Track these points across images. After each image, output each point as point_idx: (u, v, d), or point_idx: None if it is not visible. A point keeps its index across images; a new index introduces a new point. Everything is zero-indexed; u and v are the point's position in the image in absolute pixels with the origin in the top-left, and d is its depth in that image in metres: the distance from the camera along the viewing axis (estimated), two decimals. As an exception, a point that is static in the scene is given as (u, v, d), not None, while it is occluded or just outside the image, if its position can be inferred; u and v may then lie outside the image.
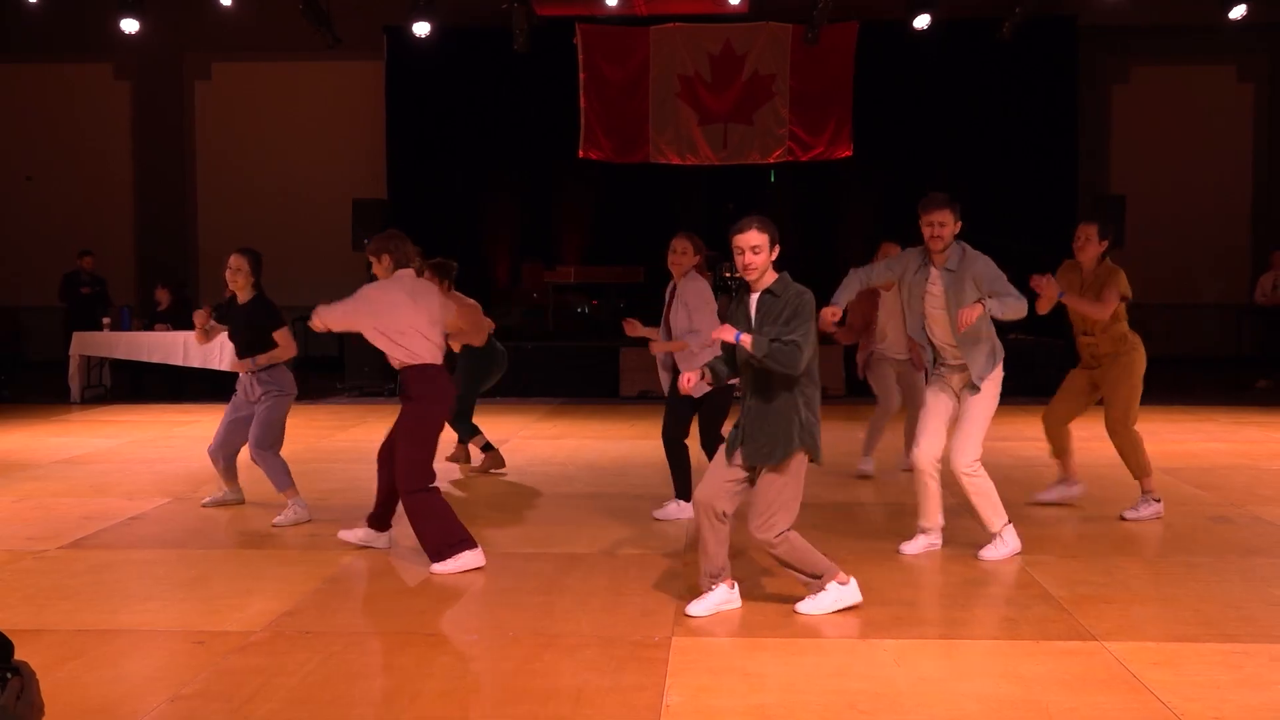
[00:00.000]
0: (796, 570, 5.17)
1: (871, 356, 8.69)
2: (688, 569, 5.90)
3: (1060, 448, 7.37)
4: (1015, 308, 5.88)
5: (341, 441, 10.54)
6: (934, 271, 6.05)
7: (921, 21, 14.89)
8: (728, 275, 15.07)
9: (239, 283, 7.23)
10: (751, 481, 5.15)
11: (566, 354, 14.77)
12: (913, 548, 6.27)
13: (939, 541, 6.30)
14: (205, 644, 4.81)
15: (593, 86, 16.15)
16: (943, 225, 5.97)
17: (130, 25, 14.90)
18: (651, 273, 16.04)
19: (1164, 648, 4.70)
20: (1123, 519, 7.00)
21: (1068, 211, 15.92)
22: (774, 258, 5.11)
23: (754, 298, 5.13)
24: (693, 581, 5.57)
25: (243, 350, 7.25)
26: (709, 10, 16.03)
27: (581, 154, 16.14)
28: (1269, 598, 5.42)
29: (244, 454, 7.34)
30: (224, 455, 7.38)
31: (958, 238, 6.04)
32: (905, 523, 7.06)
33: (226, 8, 15.20)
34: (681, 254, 7.03)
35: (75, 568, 6.08)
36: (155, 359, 13.71)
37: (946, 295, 5.97)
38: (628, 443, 10.38)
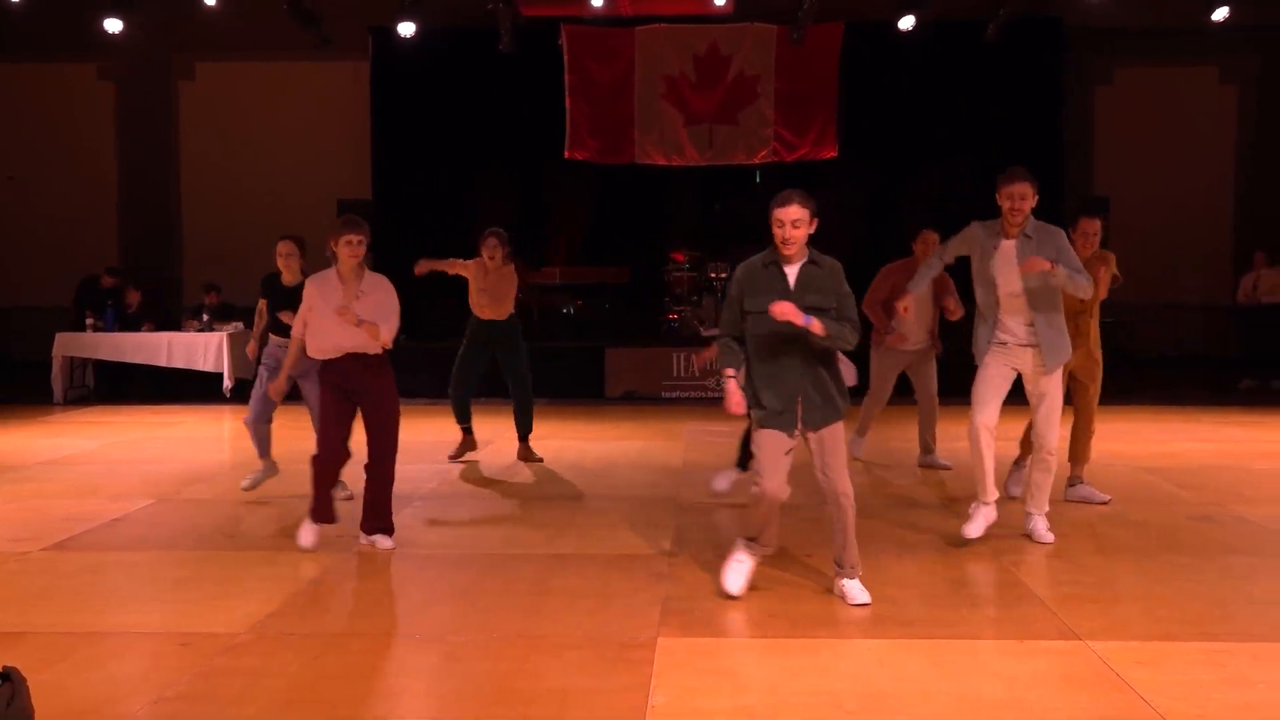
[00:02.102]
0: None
1: (881, 346, 8.80)
2: (673, 570, 5.92)
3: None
4: (1083, 286, 5.98)
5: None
6: (1008, 243, 6.08)
7: (907, 22, 14.92)
8: (713, 276, 15.10)
9: (292, 266, 7.73)
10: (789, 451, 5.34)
11: (552, 354, 14.74)
12: (976, 529, 6.28)
13: (995, 515, 6.37)
14: (190, 646, 4.80)
15: (578, 87, 16.13)
16: (1024, 199, 6.01)
17: (114, 25, 14.85)
18: (637, 273, 16.07)
19: (1147, 647, 4.72)
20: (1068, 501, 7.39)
21: (1053, 212, 15.83)
22: (812, 230, 5.28)
23: (793, 270, 5.27)
24: (679, 583, 5.59)
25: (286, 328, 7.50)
26: (694, 11, 16.01)
27: (567, 155, 16.11)
28: (1251, 597, 5.45)
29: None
30: (266, 418, 7.80)
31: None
32: (897, 516, 7.09)
33: (211, 8, 15.13)
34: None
35: (59, 569, 6.06)
36: (139, 360, 13.68)
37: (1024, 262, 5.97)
38: (612, 443, 10.38)
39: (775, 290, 5.22)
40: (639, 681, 4.36)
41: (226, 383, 13.26)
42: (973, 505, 6.36)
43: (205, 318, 13.77)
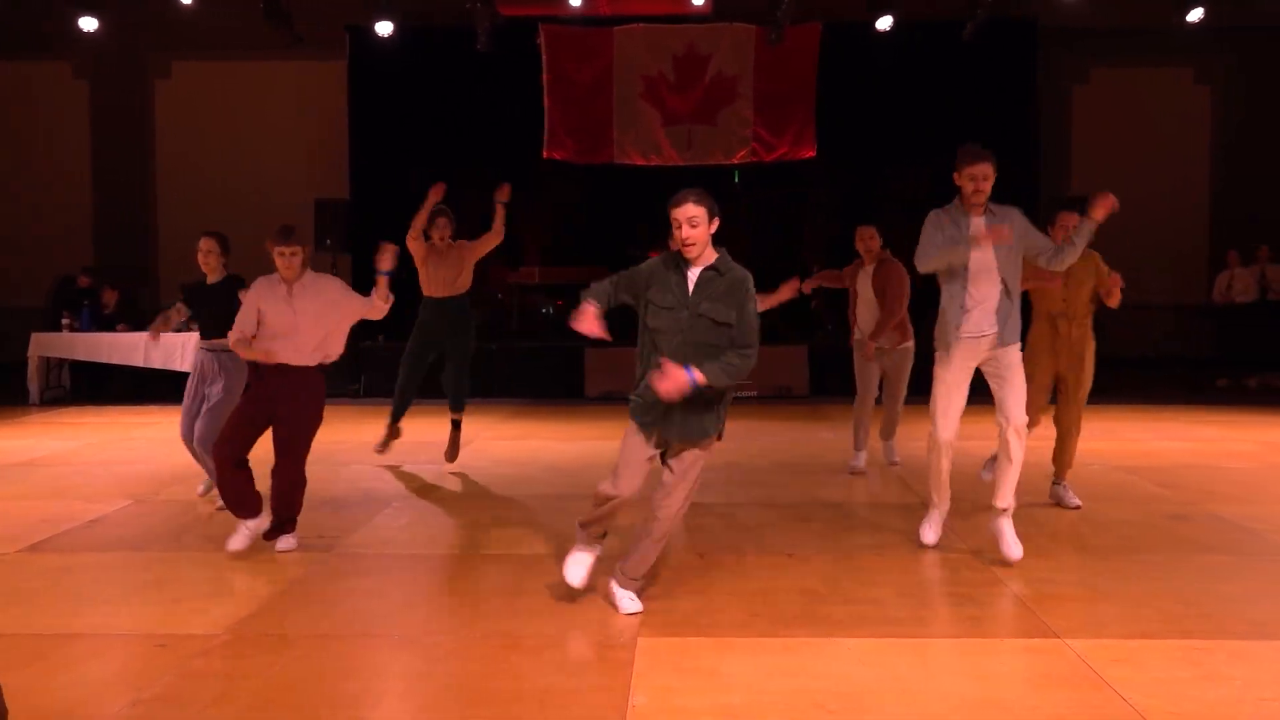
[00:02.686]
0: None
1: (854, 342, 8.73)
2: (653, 569, 5.90)
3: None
4: (1068, 255, 5.97)
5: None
6: (976, 219, 5.93)
7: (884, 23, 14.97)
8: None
9: (211, 264, 7.39)
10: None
11: (530, 354, 14.75)
12: (933, 535, 6.32)
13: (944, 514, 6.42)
14: (167, 647, 4.77)
15: (556, 87, 16.11)
16: (986, 179, 5.89)
17: (89, 24, 14.76)
18: (614, 273, 16.04)
19: (1125, 645, 4.74)
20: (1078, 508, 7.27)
21: (1029, 212, 15.98)
22: (713, 230, 5.02)
23: (693, 273, 5.02)
24: (659, 583, 5.58)
25: (214, 329, 7.27)
26: (672, 11, 16.03)
27: (545, 154, 16.10)
28: (1227, 594, 5.49)
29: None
30: (193, 441, 7.39)
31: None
32: (872, 518, 7.10)
33: (186, 6, 15.05)
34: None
35: (33, 571, 6.01)
36: (115, 360, 13.60)
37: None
38: (590, 443, 10.37)
39: (671, 294, 5.02)
40: (619, 681, 4.35)
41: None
42: (929, 514, 6.41)
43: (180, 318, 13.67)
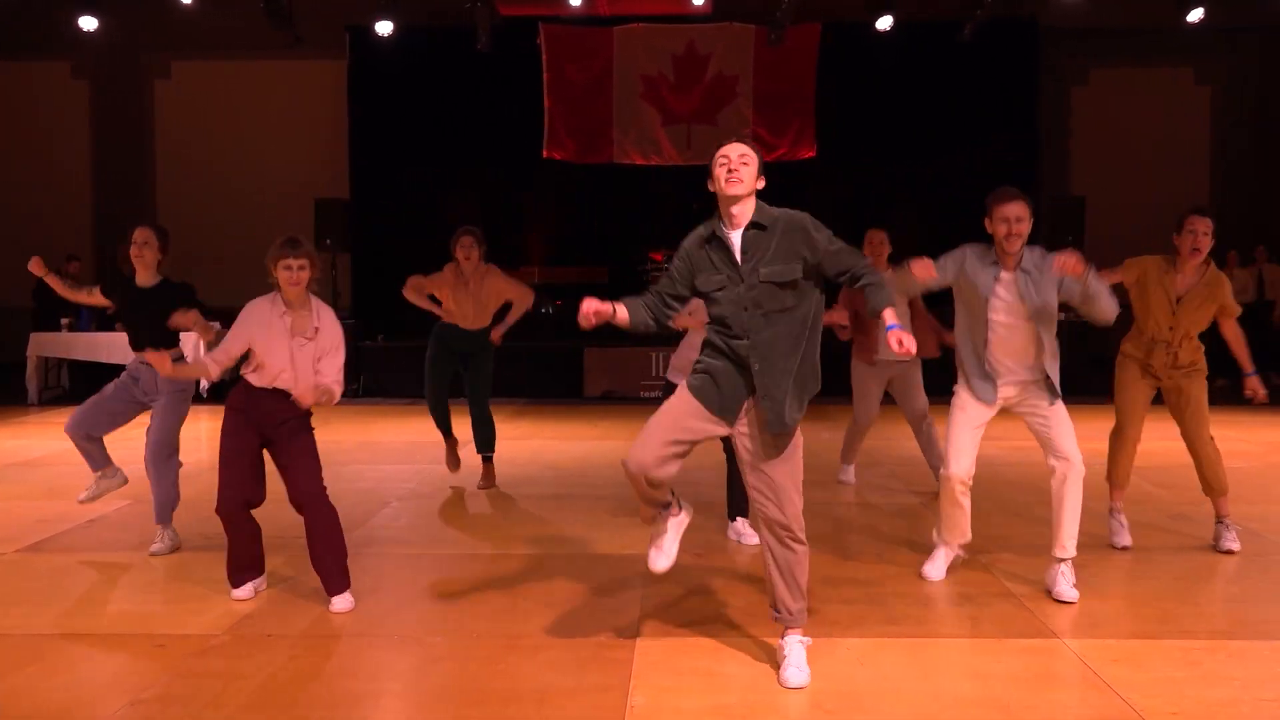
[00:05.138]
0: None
1: (858, 361, 8.05)
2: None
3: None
4: (1109, 307, 5.27)
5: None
6: (1005, 275, 5.32)
7: (884, 23, 14.98)
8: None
9: (146, 260, 6.32)
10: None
11: (530, 354, 14.75)
12: (937, 572, 5.78)
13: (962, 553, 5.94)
14: (165, 647, 4.76)
15: (556, 87, 16.13)
16: (1020, 221, 5.22)
17: (89, 23, 14.76)
18: (615, 273, 16.06)
19: (1124, 644, 4.74)
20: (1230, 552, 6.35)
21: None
22: (759, 187, 4.45)
23: (735, 236, 4.37)
24: (658, 583, 5.57)
25: (147, 340, 6.26)
26: (672, 10, 16.04)
27: (545, 154, 16.12)
28: (1227, 595, 5.48)
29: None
30: (85, 434, 6.52)
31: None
32: (872, 519, 7.10)
33: (186, 6, 15.06)
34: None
35: (32, 571, 6.01)
36: (114, 360, 13.57)
37: (1025, 302, 5.29)
38: (591, 443, 10.37)
39: (719, 271, 4.36)
40: (618, 681, 4.34)
41: (203, 383, 13.17)
42: (937, 550, 5.87)
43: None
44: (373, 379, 14.54)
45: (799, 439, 4.44)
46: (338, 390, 5.41)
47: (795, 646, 4.40)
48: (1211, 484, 6.44)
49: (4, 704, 4.13)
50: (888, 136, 16.19)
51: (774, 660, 4.52)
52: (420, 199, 16.55)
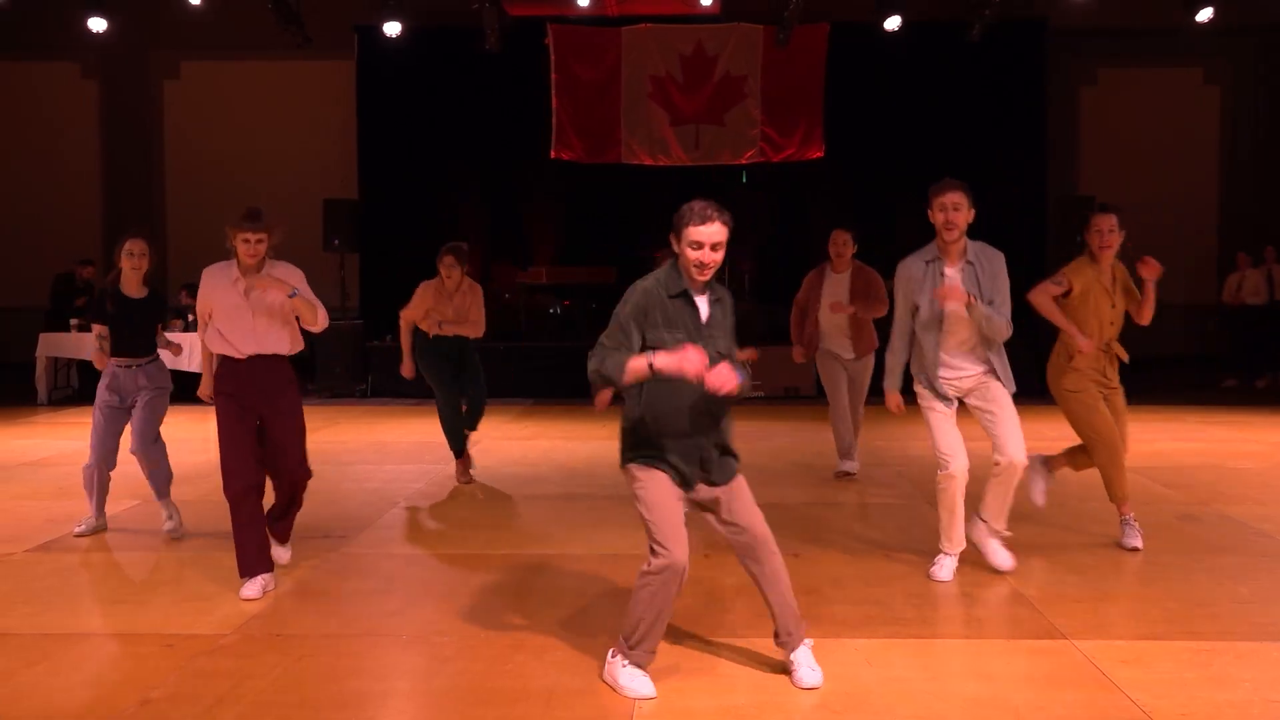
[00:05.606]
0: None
1: (819, 353, 8.54)
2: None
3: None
4: (1000, 328, 5.49)
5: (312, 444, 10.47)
6: (950, 271, 5.54)
7: (892, 23, 14.95)
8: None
9: (142, 270, 6.66)
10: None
11: (538, 355, 14.77)
12: (947, 573, 5.79)
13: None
14: (175, 647, 4.77)
15: (564, 87, 16.13)
16: (957, 209, 5.41)
17: (98, 24, 14.79)
18: (623, 273, 16.06)
19: (1133, 646, 4.73)
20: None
21: (1036, 213, 16.05)
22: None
23: (701, 302, 4.38)
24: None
25: (134, 347, 6.69)
26: (680, 11, 16.04)
27: (553, 154, 16.12)
28: (1236, 595, 5.47)
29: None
30: (110, 465, 6.82)
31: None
32: (878, 519, 7.09)
33: (195, 6, 15.08)
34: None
35: (41, 571, 6.02)
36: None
37: (974, 292, 5.48)
38: (599, 443, 10.36)
39: (684, 328, 4.31)
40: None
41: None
42: (941, 555, 5.87)
43: (191, 317, 13.72)
44: (379, 379, 14.54)
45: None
46: (319, 305, 5.75)
47: (802, 649, 4.41)
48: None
49: (13, 702, 4.14)
50: (896, 136, 16.17)
51: (781, 661, 4.51)
52: (428, 199, 16.57)
